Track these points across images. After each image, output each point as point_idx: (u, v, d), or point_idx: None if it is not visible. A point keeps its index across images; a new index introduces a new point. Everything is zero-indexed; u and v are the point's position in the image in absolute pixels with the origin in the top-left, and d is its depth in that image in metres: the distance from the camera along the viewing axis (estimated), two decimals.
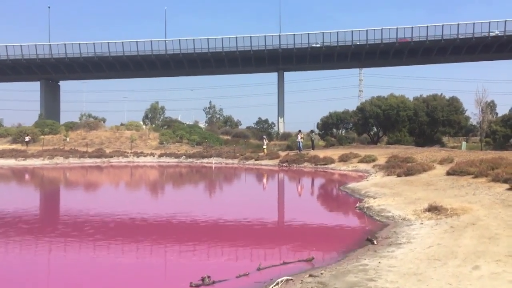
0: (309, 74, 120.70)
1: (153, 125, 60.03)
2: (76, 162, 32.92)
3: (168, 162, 33.51)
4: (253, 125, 75.91)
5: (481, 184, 12.29)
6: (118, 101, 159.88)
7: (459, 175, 14.47)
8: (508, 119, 38.76)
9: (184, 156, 35.02)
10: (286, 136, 56.51)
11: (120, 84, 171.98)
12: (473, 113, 33.02)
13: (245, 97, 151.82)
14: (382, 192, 12.27)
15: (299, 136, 32.15)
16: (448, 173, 15.23)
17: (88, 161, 33.29)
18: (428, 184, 13.44)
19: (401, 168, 18.89)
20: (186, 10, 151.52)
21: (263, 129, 73.91)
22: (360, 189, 13.70)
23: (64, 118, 75.71)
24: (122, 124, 52.36)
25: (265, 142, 32.92)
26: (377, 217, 9.23)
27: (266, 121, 75.99)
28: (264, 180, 23.11)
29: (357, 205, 10.82)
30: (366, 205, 10.40)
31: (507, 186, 11.39)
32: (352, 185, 15.11)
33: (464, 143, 35.88)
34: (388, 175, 18.00)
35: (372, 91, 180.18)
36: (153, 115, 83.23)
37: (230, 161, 32.38)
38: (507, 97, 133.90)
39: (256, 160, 30.90)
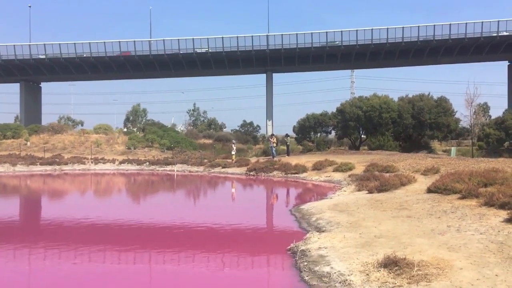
0: (299, 76, 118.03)
1: (125, 128, 56.76)
2: (23, 170, 29.47)
3: (127, 170, 30.19)
4: (237, 128, 72.96)
5: (470, 209, 9.12)
6: (108, 103, 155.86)
7: (443, 194, 11.31)
8: (502, 121, 35.82)
9: (147, 163, 31.74)
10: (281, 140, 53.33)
11: (110, 86, 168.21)
12: (463, 114, 30.02)
13: (233, 100, 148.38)
14: (337, 221, 9.04)
15: (271, 141, 29.01)
16: (430, 190, 12.06)
17: (38, 169, 29.88)
18: (401, 206, 10.25)
19: (376, 180, 15.77)
20: (171, 12, 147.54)
21: (248, 132, 70.86)
22: (312, 214, 10.46)
23: (47, 121, 72.13)
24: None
25: (234, 148, 29.60)
26: (306, 275, 5.96)
27: (251, 124, 72.96)
28: (208, 196, 19.30)
29: (292, 245, 7.55)
30: (303, 247, 7.15)
31: (505, 214, 8.21)
32: (307, 206, 11.85)
33: (453, 148, 32.75)
34: (359, 190, 14.83)
35: (365, 94, 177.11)
36: (135, 117, 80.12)
37: (195, 168, 29.13)
38: (501, 100, 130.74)
39: (223, 167, 27.67)
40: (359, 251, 6.48)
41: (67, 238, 9.34)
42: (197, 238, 9.26)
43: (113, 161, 32.92)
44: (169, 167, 30.02)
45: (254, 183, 22.46)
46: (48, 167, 30.33)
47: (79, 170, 30.28)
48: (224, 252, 7.76)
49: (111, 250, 8.28)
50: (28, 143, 41.25)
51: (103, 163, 32.42)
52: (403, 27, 62.21)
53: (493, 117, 46.00)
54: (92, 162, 32.34)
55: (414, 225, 8.07)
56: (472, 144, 28.49)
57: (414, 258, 5.70)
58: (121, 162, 32.31)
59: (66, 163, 31.74)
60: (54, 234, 9.85)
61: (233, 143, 30.25)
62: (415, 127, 30.76)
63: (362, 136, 33.27)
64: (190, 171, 28.46)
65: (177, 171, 28.76)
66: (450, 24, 60.78)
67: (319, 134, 34.47)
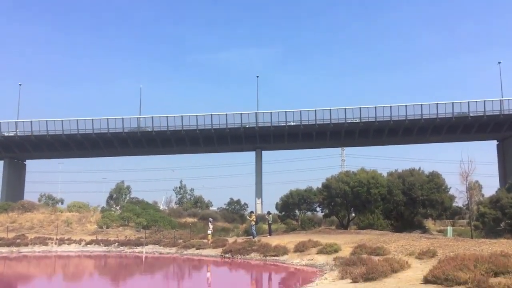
0: (289, 154, 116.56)
1: (107, 206, 54.00)
2: None
3: (92, 252, 27.25)
4: (224, 206, 70.08)
5: None
6: (95, 182, 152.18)
7: (444, 286, 8.96)
8: (497, 200, 33.75)
9: (116, 244, 28.83)
10: (262, 218, 50.62)
11: (97, 164, 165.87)
12: (458, 190, 27.64)
13: (221, 178, 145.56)
14: None
15: (249, 219, 26.57)
16: (427, 280, 9.68)
17: None
18: None
19: (363, 265, 13.34)
20: (160, 88, 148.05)
21: (235, 210, 67.93)
22: None
23: (30, 199, 68.76)
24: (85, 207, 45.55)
25: (211, 227, 26.95)
26: None
27: (238, 202, 70.27)
28: (169, 283, 16.85)
29: None
30: None
31: None
32: None
33: (449, 228, 30.29)
34: (342, 278, 12.38)
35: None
36: (118, 195, 77.19)
37: (167, 249, 26.29)
38: (492, 179, 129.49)
39: (197, 249, 24.90)
40: None
41: None
42: None
43: (79, 241, 29.94)
44: (139, 248, 27.13)
45: (227, 267, 19.82)
46: (5, 249, 27.34)
47: (39, 252, 27.29)
48: None
49: None
50: None
51: (68, 244, 29.41)
52: (390, 106, 62.06)
53: (486, 196, 43.93)
54: (56, 243, 29.37)
55: None
56: (471, 223, 26.28)
57: None
58: (87, 243, 29.32)
59: (27, 244, 28.78)
60: None
61: (210, 222, 27.54)
62: (407, 204, 28.51)
63: (351, 214, 30.89)
64: (161, 253, 25.62)
65: (147, 252, 25.89)
66: (437, 104, 60.87)
67: (304, 211, 32.05)
